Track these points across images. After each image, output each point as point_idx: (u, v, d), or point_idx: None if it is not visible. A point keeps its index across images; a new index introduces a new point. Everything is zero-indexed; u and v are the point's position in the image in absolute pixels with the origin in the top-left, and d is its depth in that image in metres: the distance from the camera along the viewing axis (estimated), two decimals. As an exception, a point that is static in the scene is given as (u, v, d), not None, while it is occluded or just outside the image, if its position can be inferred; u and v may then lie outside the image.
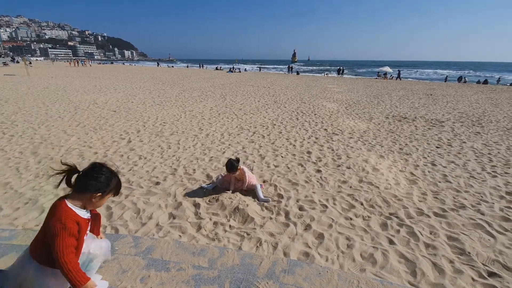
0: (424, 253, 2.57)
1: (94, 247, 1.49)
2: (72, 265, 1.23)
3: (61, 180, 1.36)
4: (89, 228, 1.50)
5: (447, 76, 32.91)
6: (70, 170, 1.37)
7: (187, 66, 64.90)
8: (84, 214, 1.39)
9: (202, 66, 57.28)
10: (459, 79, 28.77)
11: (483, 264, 2.43)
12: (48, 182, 3.82)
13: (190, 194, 3.61)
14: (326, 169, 4.57)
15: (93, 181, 1.35)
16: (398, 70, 34.79)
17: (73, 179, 1.38)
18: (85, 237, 1.43)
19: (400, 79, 29.97)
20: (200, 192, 3.66)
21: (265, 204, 3.39)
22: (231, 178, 3.65)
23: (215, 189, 3.71)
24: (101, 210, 3.19)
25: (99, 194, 1.37)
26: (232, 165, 3.49)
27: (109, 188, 1.41)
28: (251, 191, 3.63)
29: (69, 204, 1.33)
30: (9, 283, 1.43)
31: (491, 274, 2.32)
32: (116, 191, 1.48)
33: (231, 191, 3.60)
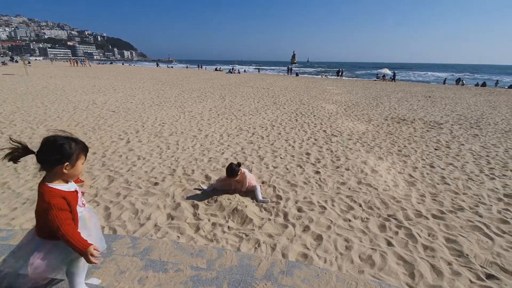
0: (422, 255, 2.58)
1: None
2: (71, 233, 1.27)
3: (10, 155, 1.31)
4: (83, 200, 1.51)
5: (445, 78, 33.07)
6: (24, 149, 1.33)
7: (187, 67, 64.92)
8: (68, 187, 1.39)
9: (201, 67, 58.08)
10: (457, 81, 28.91)
11: (481, 266, 2.44)
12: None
13: (189, 195, 3.61)
14: (325, 171, 4.57)
15: (54, 155, 1.30)
16: (393, 72, 35.35)
17: (22, 159, 1.36)
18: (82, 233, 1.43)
19: (395, 81, 30.34)
20: (199, 193, 3.66)
21: (264, 205, 3.39)
22: (231, 181, 3.64)
23: (213, 190, 3.70)
24: (99, 211, 3.18)
25: (66, 163, 1.32)
26: (232, 170, 3.46)
27: (73, 154, 1.34)
28: (250, 192, 3.63)
29: (49, 184, 1.34)
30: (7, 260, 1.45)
31: (489, 276, 2.32)
32: (85, 152, 1.43)
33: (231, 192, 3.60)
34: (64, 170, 1.33)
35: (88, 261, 1.26)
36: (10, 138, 1.36)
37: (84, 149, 1.43)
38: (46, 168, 1.34)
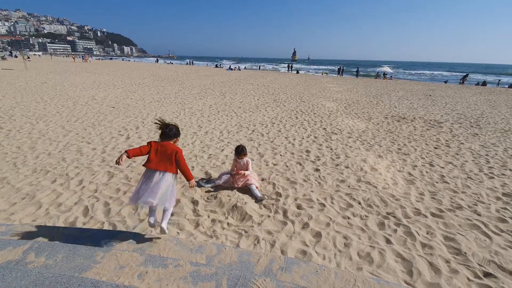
0: (421, 252, 2.59)
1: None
2: (188, 167, 2.35)
3: (158, 125, 2.34)
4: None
5: (447, 80, 32.95)
6: (164, 125, 2.32)
7: (187, 63, 64.77)
8: None
9: (192, 63, 61.40)
10: (462, 79, 28.55)
11: (479, 264, 2.46)
12: (46, 178, 3.80)
13: (189, 191, 3.61)
14: (325, 168, 4.57)
15: (173, 132, 2.34)
16: (390, 70, 36.06)
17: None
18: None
19: (391, 78, 30.94)
20: (199, 189, 3.66)
21: (263, 202, 3.39)
22: (234, 168, 3.74)
23: (214, 186, 3.71)
24: (98, 206, 3.20)
25: (178, 138, 2.41)
26: (241, 148, 3.68)
27: (180, 134, 2.43)
28: (248, 190, 3.63)
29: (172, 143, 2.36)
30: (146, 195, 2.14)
31: (487, 275, 2.34)
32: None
33: (230, 174, 3.74)
34: (176, 142, 2.39)
35: (192, 185, 2.37)
36: (157, 119, 2.47)
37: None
38: (167, 138, 2.30)
